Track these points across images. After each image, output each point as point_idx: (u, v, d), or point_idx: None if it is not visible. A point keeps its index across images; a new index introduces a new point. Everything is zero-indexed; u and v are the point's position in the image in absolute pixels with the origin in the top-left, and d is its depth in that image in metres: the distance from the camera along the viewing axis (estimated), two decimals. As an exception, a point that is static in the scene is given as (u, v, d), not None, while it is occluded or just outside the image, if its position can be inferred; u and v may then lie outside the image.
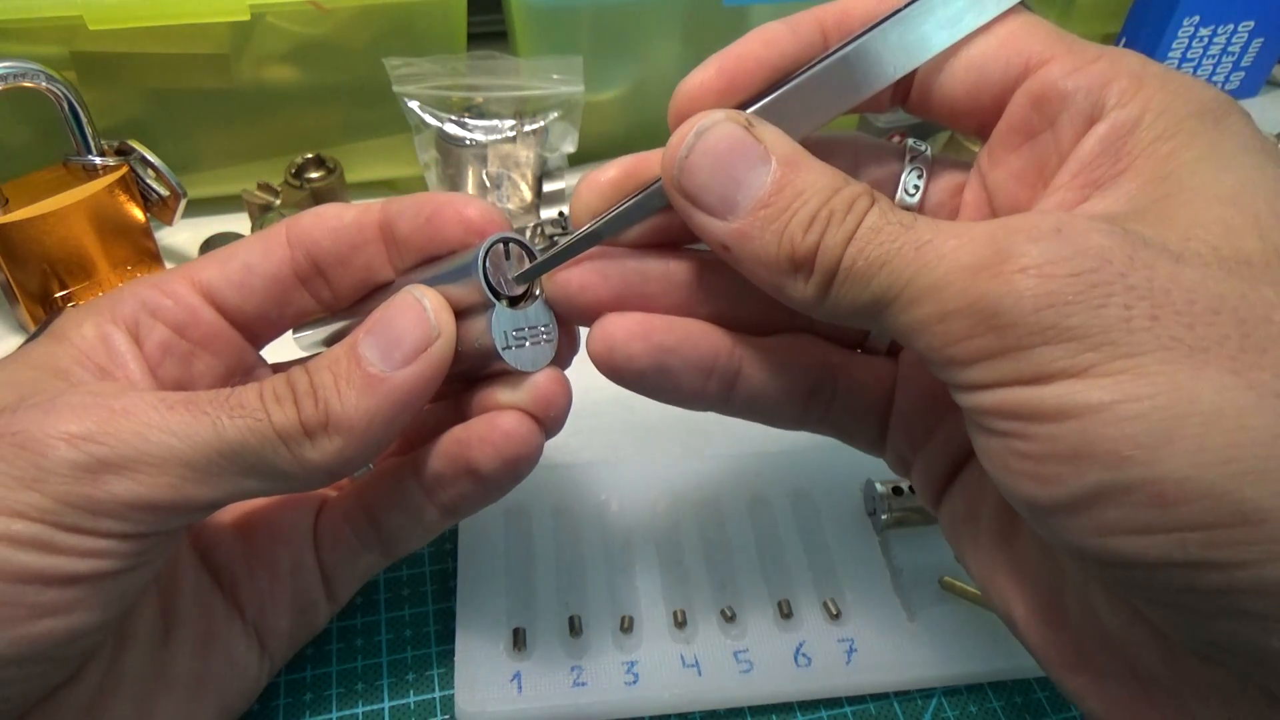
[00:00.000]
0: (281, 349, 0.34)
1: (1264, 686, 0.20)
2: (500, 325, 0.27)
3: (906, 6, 0.25)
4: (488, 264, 0.27)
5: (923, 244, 0.22)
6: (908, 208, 0.28)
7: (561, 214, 0.56)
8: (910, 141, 0.29)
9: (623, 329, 0.27)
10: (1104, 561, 0.20)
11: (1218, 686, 0.22)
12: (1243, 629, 0.19)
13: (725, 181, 0.24)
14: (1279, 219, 0.20)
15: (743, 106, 0.25)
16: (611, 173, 0.27)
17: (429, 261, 0.29)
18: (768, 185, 0.23)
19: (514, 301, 0.28)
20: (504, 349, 0.27)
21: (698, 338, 0.28)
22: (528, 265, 0.28)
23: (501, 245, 0.28)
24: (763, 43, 0.26)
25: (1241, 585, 0.19)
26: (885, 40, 0.25)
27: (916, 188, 0.28)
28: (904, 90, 0.27)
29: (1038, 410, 0.20)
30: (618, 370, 0.27)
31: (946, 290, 0.21)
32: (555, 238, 0.53)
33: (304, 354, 0.35)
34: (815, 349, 0.29)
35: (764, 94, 0.26)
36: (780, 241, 0.23)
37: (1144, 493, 0.19)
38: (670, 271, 0.28)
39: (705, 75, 0.25)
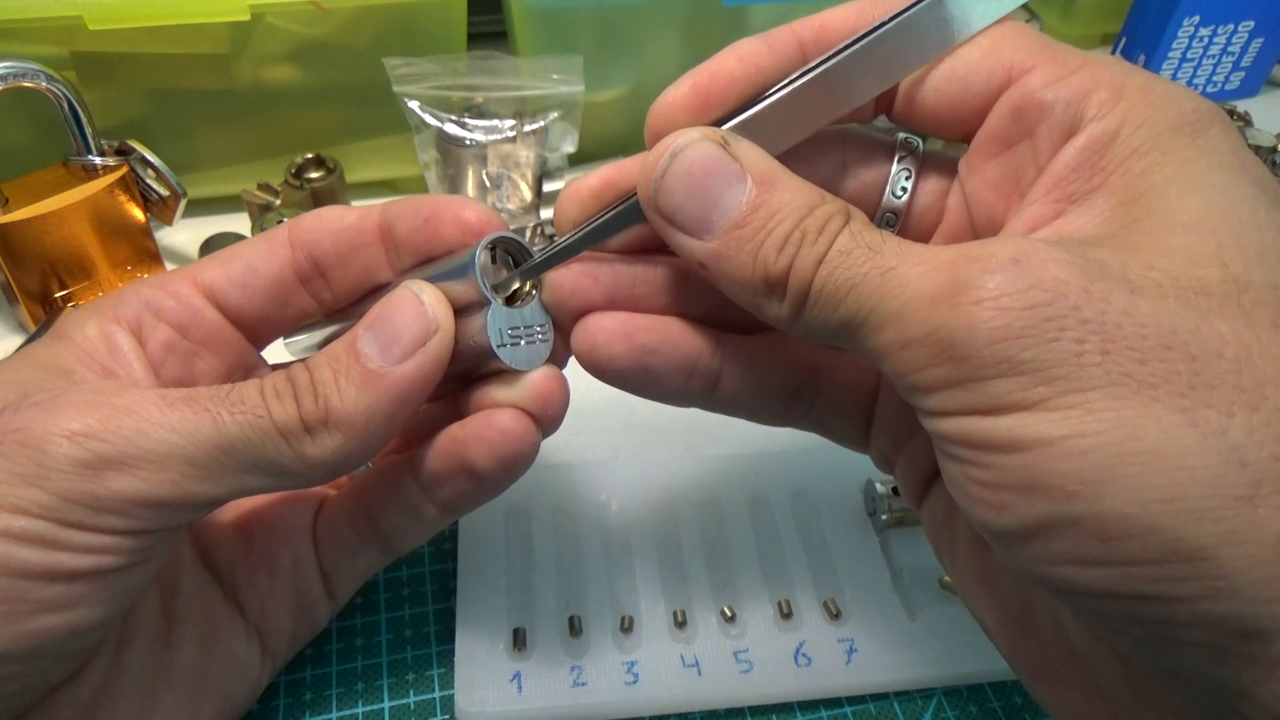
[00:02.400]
0: (282, 349, 0.34)
1: (1218, 712, 0.21)
2: (495, 323, 0.27)
3: (888, 23, 0.24)
4: (483, 263, 0.27)
5: (888, 270, 0.22)
6: (894, 210, 0.28)
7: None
8: (902, 136, 0.28)
9: (605, 329, 0.27)
10: (1056, 588, 0.21)
11: (1175, 708, 0.23)
12: (1190, 657, 0.20)
13: (701, 202, 0.24)
14: (1241, 247, 0.20)
15: (721, 122, 0.25)
16: (593, 182, 0.27)
17: (427, 262, 0.29)
18: (743, 205, 0.23)
19: (510, 300, 0.28)
20: (499, 347, 0.27)
21: (679, 338, 0.28)
22: (524, 265, 0.28)
23: (498, 245, 0.28)
24: (738, 59, 0.25)
25: (1184, 618, 0.19)
26: (866, 56, 0.25)
27: (904, 189, 0.28)
28: (887, 101, 0.27)
29: (991, 441, 0.20)
30: (600, 369, 0.28)
31: (908, 319, 0.21)
32: (555, 237, 0.53)
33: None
34: (801, 347, 0.29)
35: (742, 109, 0.25)
36: (754, 262, 0.23)
37: (1089, 527, 0.19)
38: (658, 273, 0.28)
39: (679, 92, 0.25)
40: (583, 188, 0.28)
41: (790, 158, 0.26)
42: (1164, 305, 0.19)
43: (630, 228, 0.27)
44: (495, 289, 0.28)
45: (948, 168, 0.28)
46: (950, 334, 0.20)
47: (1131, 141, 0.22)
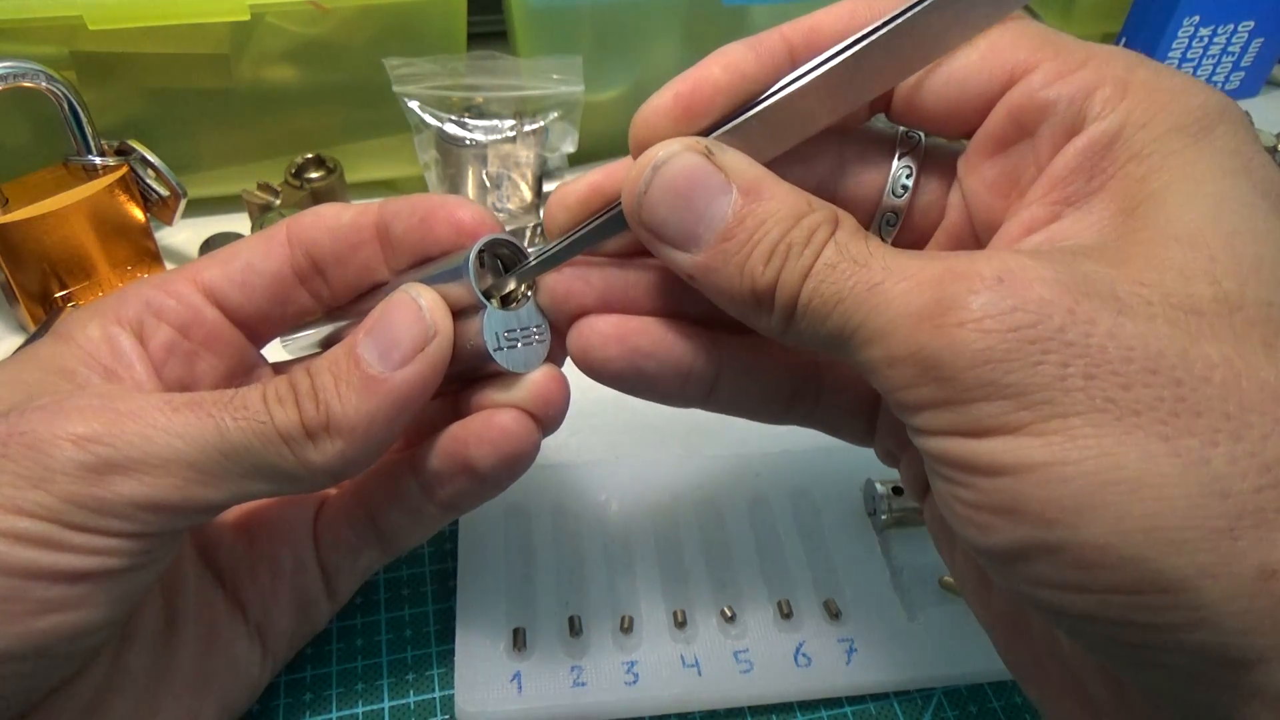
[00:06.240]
0: (281, 347, 0.34)
1: None
2: (491, 326, 0.27)
3: (883, 28, 0.23)
4: (479, 266, 0.27)
5: (873, 285, 0.21)
6: (895, 209, 0.27)
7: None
8: (902, 130, 0.28)
9: (599, 333, 0.27)
10: (1039, 608, 0.21)
11: None
12: (1170, 680, 0.20)
13: (686, 215, 0.23)
14: (1236, 260, 0.20)
15: (707, 131, 0.25)
16: (580, 189, 0.27)
17: (424, 262, 0.29)
18: (729, 217, 0.23)
19: (505, 302, 0.28)
20: (495, 350, 0.27)
21: (673, 342, 0.27)
22: (515, 269, 0.28)
23: (494, 247, 0.28)
24: (722, 66, 0.25)
25: (1164, 644, 0.19)
26: (860, 62, 0.24)
27: (905, 188, 0.27)
28: (884, 101, 0.26)
29: (974, 463, 0.20)
30: (595, 372, 0.28)
31: (892, 337, 0.21)
32: (554, 238, 0.53)
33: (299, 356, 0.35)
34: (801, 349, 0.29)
35: (729, 118, 0.25)
36: (742, 275, 0.23)
37: (1068, 554, 0.19)
38: (651, 276, 0.28)
39: (662, 101, 0.25)
40: (570, 195, 0.27)
41: (787, 156, 0.25)
42: (1151, 327, 0.19)
43: (623, 232, 0.26)
44: (490, 290, 0.28)
45: (949, 162, 0.27)
46: (934, 355, 0.20)
47: (1134, 142, 0.22)
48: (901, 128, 0.28)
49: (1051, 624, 0.24)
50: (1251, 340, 0.19)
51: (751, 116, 0.25)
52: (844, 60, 0.24)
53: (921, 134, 0.28)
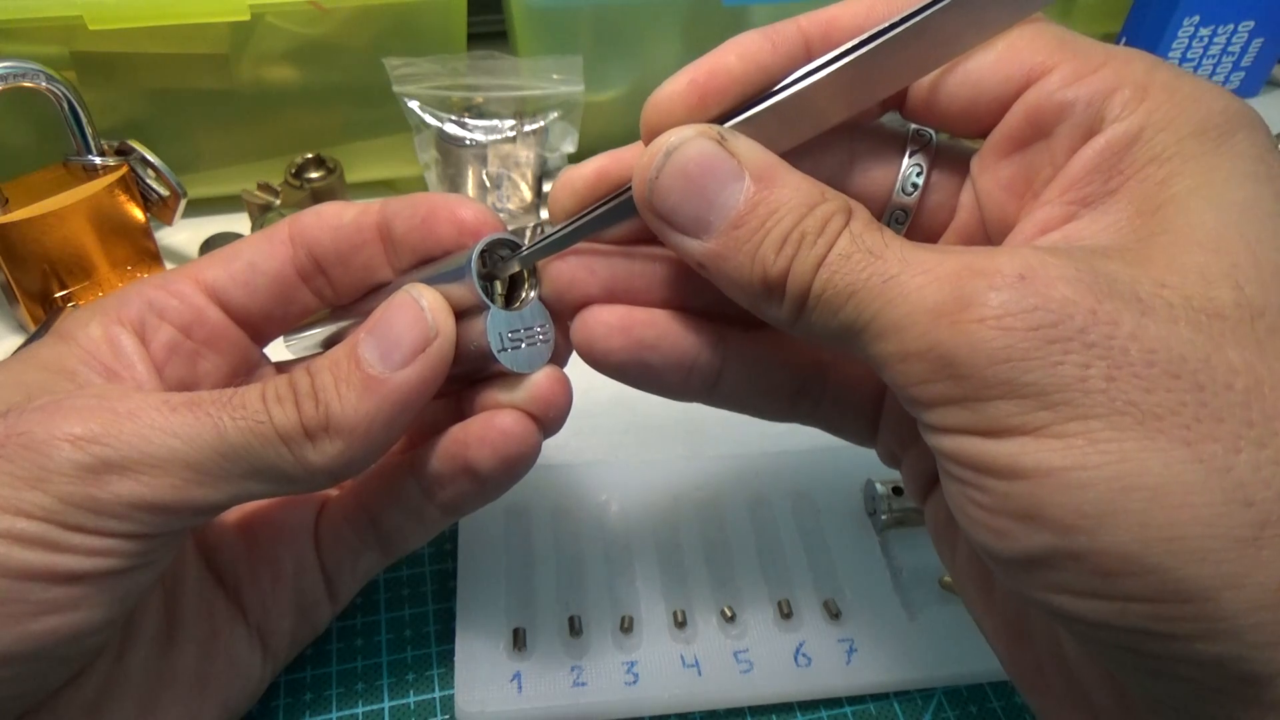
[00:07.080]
0: (284, 346, 0.34)
1: None
2: (495, 327, 0.27)
3: (900, 24, 0.23)
4: (481, 266, 0.27)
5: (889, 278, 0.21)
6: (904, 207, 0.27)
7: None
8: (913, 128, 0.27)
9: (603, 323, 0.27)
10: (1052, 614, 0.21)
11: None
12: (1184, 691, 0.20)
13: (697, 202, 0.23)
14: (1259, 267, 0.20)
15: (722, 120, 0.24)
16: (587, 173, 0.27)
17: (426, 262, 0.29)
18: (740, 204, 0.23)
19: (509, 302, 0.28)
20: (499, 351, 0.27)
21: (678, 335, 0.27)
22: (515, 254, 0.28)
23: (496, 247, 0.28)
24: (738, 55, 0.24)
25: (1181, 655, 0.19)
26: (877, 59, 0.24)
27: (915, 186, 0.27)
28: (896, 97, 0.26)
29: (990, 464, 0.20)
30: (598, 363, 0.28)
31: (908, 331, 0.20)
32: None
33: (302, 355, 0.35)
34: (806, 344, 0.29)
35: (742, 108, 0.24)
36: (753, 264, 0.23)
37: (1088, 562, 0.19)
38: (657, 266, 0.28)
39: (676, 87, 0.24)
40: (576, 178, 0.27)
41: (795, 151, 0.25)
42: (1174, 330, 0.19)
43: (629, 219, 0.26)
44: (493, 274, 0.27)
45: (961, 162, 0.27)
46: (951, 351, 0.20)
47: (1153, 145, 0.21)
48: (912, 125, 0.27)
49: (1063, 630, 0.23)
50: (1274, 347, 0.19)
51: (765, 108, 0.24)
52: (860, 56, 0.24)
53: (932, 132, 0.27)
